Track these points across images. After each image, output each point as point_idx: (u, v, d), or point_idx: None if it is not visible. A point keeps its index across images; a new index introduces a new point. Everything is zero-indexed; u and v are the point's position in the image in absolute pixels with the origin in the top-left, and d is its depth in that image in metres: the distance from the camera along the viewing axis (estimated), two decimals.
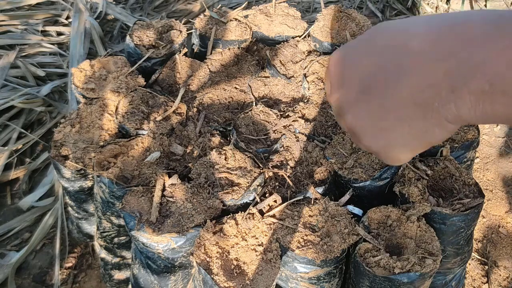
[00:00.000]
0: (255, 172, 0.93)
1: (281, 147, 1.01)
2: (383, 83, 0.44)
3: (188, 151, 1.02)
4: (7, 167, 1.57)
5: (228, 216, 0.86)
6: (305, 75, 1.18)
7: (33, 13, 2.18)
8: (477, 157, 1.62)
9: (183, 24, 1.36)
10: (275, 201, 0.89)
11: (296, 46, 1.30)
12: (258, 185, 0.91)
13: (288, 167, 0.97)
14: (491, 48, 0.37)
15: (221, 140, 1.02)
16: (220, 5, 1.53)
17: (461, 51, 0.39)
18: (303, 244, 0.82)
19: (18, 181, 1.57)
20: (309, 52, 1.29)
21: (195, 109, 1.12)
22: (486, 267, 1.29)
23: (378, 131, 0.46)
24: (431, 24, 0.43)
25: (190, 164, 0.98)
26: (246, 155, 0.97)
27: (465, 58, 0.39)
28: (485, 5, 2.14)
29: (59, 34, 2.13)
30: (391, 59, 0.44)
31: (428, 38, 0.42)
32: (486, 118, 0.39)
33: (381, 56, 0.45)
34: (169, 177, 0.92)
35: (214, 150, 0.97)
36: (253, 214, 0.87)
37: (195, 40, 1.36)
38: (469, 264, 1.30)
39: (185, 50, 1.30)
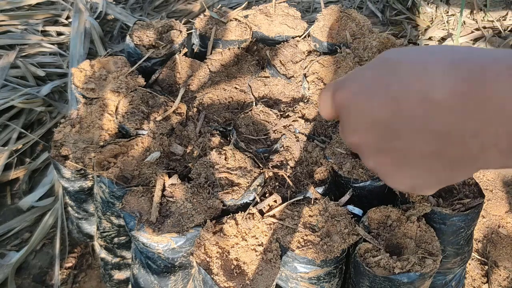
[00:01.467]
0: (255, 172, 0.93)
1: (281, 147, 1.01)
2: (407, 134, 0.41)
3: (188, 151, 1.02)
4: (7, 167, 1.57)
5: (228, 216, 0.86)
6: (305, 75, 1.18)
7: (33, 13, 2.18)
8: None
9: (183, 24, 1.36)
10: (275, 201, 0.89)
11: (296, 46, 1.30)
12: (258, 185, 0.91)
13: (288, 167, 0.97)
14: None
15: (221, 140, 1.02)
16: (220, 5, 1.53)
17: (489, 111, 0.36)
18: (303, 244, 0.82)
19: (18, 181, 1.57)
20: (309, 52, 1.29)
21: (195, 109, 1.12)
22: (486, 267, 1.28)
23: (403, 177, 0.45)
24: (455, 70, 0.38)
25: (190, 164, 0.98)
26: (246, 155, 0.97)
27: (493, 114, 0.36)
28: (485, 5, 2.14)
29: (59, 34, 2.13)
30: (412, 109, 0.40)
31: (454, 92, 0.38)
32: None
33: (400, 104, 0.41)
34: (169, 177, 0.92)
35: (214, 150, 0.97)
36: (253, 214, 0.87)
37: (195, 40, 1.36)
38: (469, 264, 1.30)
39: (185, 50, 1.30)
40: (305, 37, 1.33)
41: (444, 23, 2.13)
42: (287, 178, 0.93)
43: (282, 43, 1.32)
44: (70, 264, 1.33)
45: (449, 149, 0.39)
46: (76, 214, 1.19)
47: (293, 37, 1.34)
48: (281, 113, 1.09)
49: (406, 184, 0.45)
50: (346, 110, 0.46)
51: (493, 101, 0.36)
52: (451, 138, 0.39)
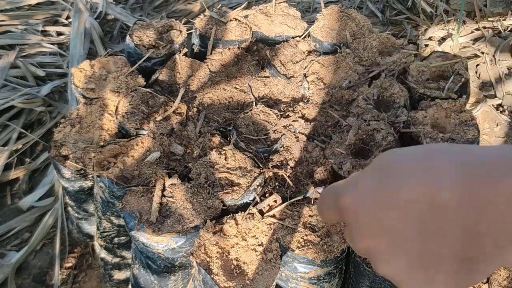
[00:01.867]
0: (255, 172, 0.93)
1: (281, 147, 1.01)
2: (418, 238, 0.41)
3: (188, 151, 1.02)
4: (7, 167, 1.57)
5: (228, 216, 0.86)
6: (305, 75, 1.18)
7: (33, 13, 2.18)
8: None
9: (183, 24, 1.36)
10: (275, 201, 0.89)
11: (296, 46, 1.30)
12: (258, 185, 0.91)
13: (288, 167, 0.97)
14: None
15: (221, 140, 1.02)
16: (220, 5, 1.53)
17: (498, 203, 0.37)
18: (303, 244, 0.82)
19: (18, 181, 1.57)
20: (309, 52, 1.29)
21: (195, 109, 1.12)
22: None
23: (420, 283, 0.43)
24: (461, 172, 0.39)
25: (190, 164, 0.98)
26: (246, 155, 0.97)
27: (505, 211, 0.36)
28: (485, 5, 2.14)
29: (59, 34, 2.13)
30: (421, 213, 0.40)
31: (462, 193, 0.38)
32: None
33: (409, 210, 0.41)
34: (169, 177, 0.92)
35: (214, 150, 0.97)
36: (253, 214, 0.87)
37: (195, 40, 1.36)
38: None
39: (185, 50, 1.30)
40: (305, 37, 1.33)
41: (444, 23, 2.13)
42: (287, 178, 0.93)
43: (282, 43, 1.32)
44: (70, 264, 1.33)
45: (463, 249, 0.39)
46: (76, 214, 1.19)
47: (293, 37, 1.34)
48: (281, 113, 1.09)
49: None
50: (354, 217, 0.46)
51: (502, 198, 0.36)
52: (464, 238, 0.38)
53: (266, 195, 0.91)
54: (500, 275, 1.26)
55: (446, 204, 0.39)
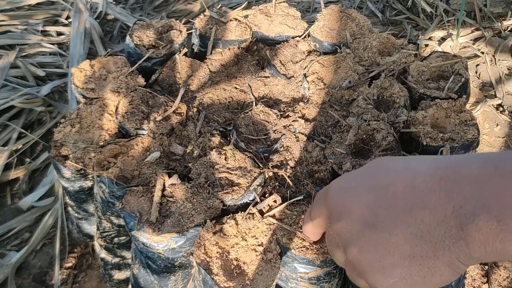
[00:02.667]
0: (255, 172, 0.93)
1: (281, 147, 1.01)
2: (391, 218, 0.43)
3: (188, 151, 1.02)
4: (7, 167, 1.57)
5: (228, 216, 0.86)
6: (305, 75, 1.18)
7: (33, 13, 2.18)
8: None
9: (183, 24, 1.36)
10: (275, 201, 0.89)
11: (296, 46, 1.30)
12: (258, 185, 0.91)
13: (288, 167, 0.97)
14: (494, 186, 0.37)
15: (221, 140, 1.02)
16: (220, 5, 1.53)
17: (465, 189, 0.39)
18: (302, 244, 0.82)
19: (18, 181, 1.57)
20: (309, 52, 1.29)
21: (195, 109, 1.12)
22: (486, 267, 1.28)
23: (386, 267, 0.44)
24: (435, 164, 0.43)
25: (190, 164, 0.98)
26: (246, 155, 0.97)
27: (470, 196, 0.38)
28: (485, 5, 2.14)
29: (59, 34, 2.13)
30: (396, 196, 0.44)
31: (434, 177, 0.41)
32: (498, 256, 0.38)
33: (386, 193, 0.45)
34: (169, 177, 0.92)
35: (214, 150, 0.97)
36: (253, 214, 0.87)
37: (195, 40, 1.36)
38: None
39: (185, 50, 1.30)
40: (305, 37, 1.33)
41: (444, 23, 2.13)
42: (287, 178, 0.93)
43: (282, 43, 1.32)
44: (70, 264, 1.33)
45: (432, 230, 0.41)
46: (76, 214, 1.19)
47: (293, 37, 1.34)
48: (281, 113, 1.09)
49: (388, 277, 0.44)
50: (338, 199, 0.50)
51: (466, 181, 0.39)
52: (432, 219, 0.41)
53: (266, 195, 0.91)
54: (500, 275, 1.26)
55: (419, 187, 0.42)
